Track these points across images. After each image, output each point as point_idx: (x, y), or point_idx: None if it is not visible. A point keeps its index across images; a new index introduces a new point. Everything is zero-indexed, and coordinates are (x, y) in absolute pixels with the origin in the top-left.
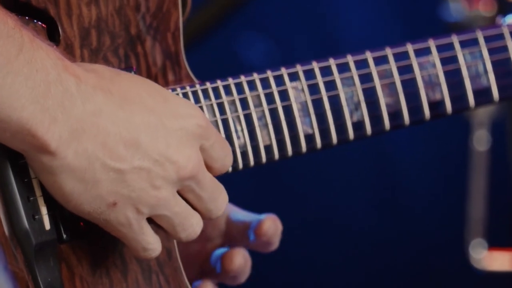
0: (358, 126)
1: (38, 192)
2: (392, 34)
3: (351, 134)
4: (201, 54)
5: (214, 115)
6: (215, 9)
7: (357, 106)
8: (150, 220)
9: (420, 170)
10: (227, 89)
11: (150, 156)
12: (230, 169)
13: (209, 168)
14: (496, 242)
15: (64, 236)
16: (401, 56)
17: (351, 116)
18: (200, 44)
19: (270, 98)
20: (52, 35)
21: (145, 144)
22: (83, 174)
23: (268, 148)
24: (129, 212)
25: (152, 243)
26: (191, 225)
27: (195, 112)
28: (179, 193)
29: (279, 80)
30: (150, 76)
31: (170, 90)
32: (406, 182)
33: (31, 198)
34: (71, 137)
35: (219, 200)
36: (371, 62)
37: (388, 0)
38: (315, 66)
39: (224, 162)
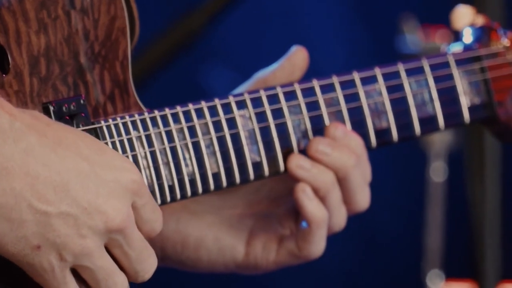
0: (306, 154)
1: None
2: (348, 65)
3: None
4: (162, 84)
5: (163, 143)
6: (175, 39)
7: (304, 134)
8: (75, 274)
9: (377, 201)
10: (175, 117)
11: (79, 203)
12: (178, 197)
13: (138, 229)
14: (453, 273)
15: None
16: (348, 84)
17: (299, 144)
18: (161, 75)
19: (218, 126)
20: (2, 63)
21: (75, 190)
22: (9, 213)
23: (216, 176)
24: (53, 258)
25: None
26: (114, 283)
27: (131, 168)
28: (106, 248)
29: (226, 108)
30: (99, 104)
31: (119, 119)
32: (363, 213)
33: None
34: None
35: (147, 262)
36: (317, 90)
37: (345, 32)
38: (263, 94)
39: (154, 226)
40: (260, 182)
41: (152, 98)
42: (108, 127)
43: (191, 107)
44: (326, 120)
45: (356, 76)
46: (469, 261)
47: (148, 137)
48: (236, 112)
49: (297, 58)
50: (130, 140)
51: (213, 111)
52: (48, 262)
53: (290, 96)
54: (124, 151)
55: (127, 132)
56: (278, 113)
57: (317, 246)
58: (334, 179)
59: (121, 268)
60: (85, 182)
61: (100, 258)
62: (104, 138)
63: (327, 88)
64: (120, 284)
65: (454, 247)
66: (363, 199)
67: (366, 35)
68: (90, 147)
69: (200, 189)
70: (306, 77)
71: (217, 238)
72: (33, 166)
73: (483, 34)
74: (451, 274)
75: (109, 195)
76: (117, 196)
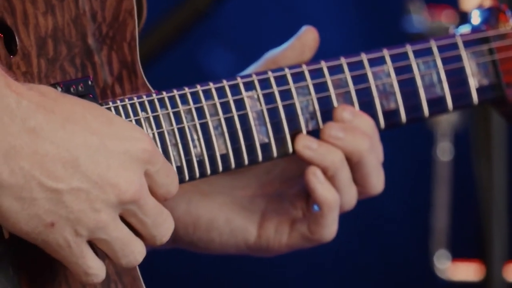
0: (314, 135)
1: None
2: (354, 45)
3: None
4: (166, 66)
5: (171, 124)
6: (179, 21)
7: (312, 115)
8: (92, 245)
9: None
10: (183, 98)
11: (90, 177)
12: (187, 178)
13: (153, 193)
14: (460, 253)
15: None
16: (356, 66)
17: (307, 125)
18: (164, 56)
19: (226, 107)
20: (9, 45)
21: (85, 165)
22: (19, 192)
23: (225, 157)
24: (68, 234)
25: (94, 268)
26: (131, 252)
27: (141, 136)
28: (121, 217)
29: (234, 89)
30: (107, 85)
31: (127, 100)
32: None
33: None
34: (7, 154)
35: (163, 226)
36: (326, 71)
37: (351, 12)
38: (271, 75)
39: (169, 188)
40: (272, 163)
41: (158, 79)
42: (116, 108)
43: (199, 88)
44: (334, 102)
45: (364, 57)
46: (476, 241)
47: (156, 118)
48: (244, 93)
49: (307, 38)
50: (138, 121)
51: (221, 92)
52: (64, 238)
53: (298, 77)
54: None
55: (135, 113)
56: (286, 94)
57: (330, 229)
58: (343, 157)
59: (138, 234)
60: (95, 156)
61: (115, 230)
62: None
63: (335, 70)
64: (137, 252)
65: (461, 227)
66: (378, 181)
67: (371, 15)
68: (98, 119)
69: (208, 170)
70: (312, 59)
71: (229, 219)
72: (42, 144)
73: (491, 16)
74: (458, 254)
75: (120, 167)
76: (129, 168)
